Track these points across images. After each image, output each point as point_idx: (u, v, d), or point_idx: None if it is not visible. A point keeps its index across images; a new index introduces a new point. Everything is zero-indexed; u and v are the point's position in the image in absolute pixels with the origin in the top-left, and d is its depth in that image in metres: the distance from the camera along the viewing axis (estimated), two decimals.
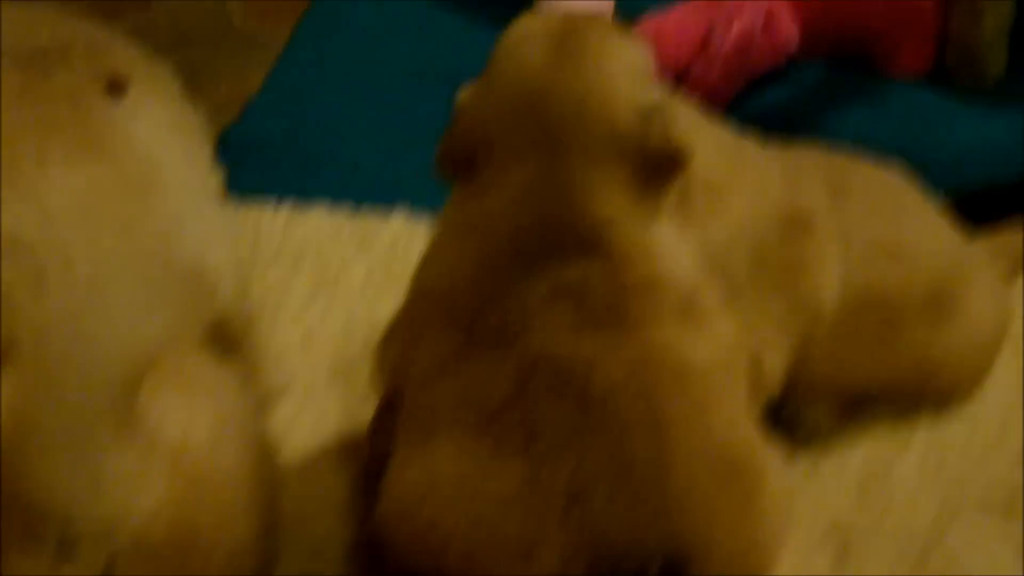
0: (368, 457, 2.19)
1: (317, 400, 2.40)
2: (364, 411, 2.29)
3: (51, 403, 1.80)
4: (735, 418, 2.00)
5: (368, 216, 2.77)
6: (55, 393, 1.80)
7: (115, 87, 2.05)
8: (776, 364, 2.23)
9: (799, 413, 2.32)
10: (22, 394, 1.79)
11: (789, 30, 3.01)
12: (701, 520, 1.90)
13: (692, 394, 1.95)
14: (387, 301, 2.26)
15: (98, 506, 1.80)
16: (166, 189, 2.05)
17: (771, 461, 2.01)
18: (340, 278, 2.62)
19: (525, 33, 2.04)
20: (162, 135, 2.11)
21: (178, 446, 1.89)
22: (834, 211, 2.29)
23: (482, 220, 2.00)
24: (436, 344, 1.99)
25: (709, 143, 2.23)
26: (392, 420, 2.06)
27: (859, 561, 2.13)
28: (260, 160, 2.93)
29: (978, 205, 2.66)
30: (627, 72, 2.01)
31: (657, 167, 1.99)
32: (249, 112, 3.09)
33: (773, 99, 3.02)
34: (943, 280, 2.33)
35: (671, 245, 2.01)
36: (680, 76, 2.98)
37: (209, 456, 1.93)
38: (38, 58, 2.08)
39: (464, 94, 2.04)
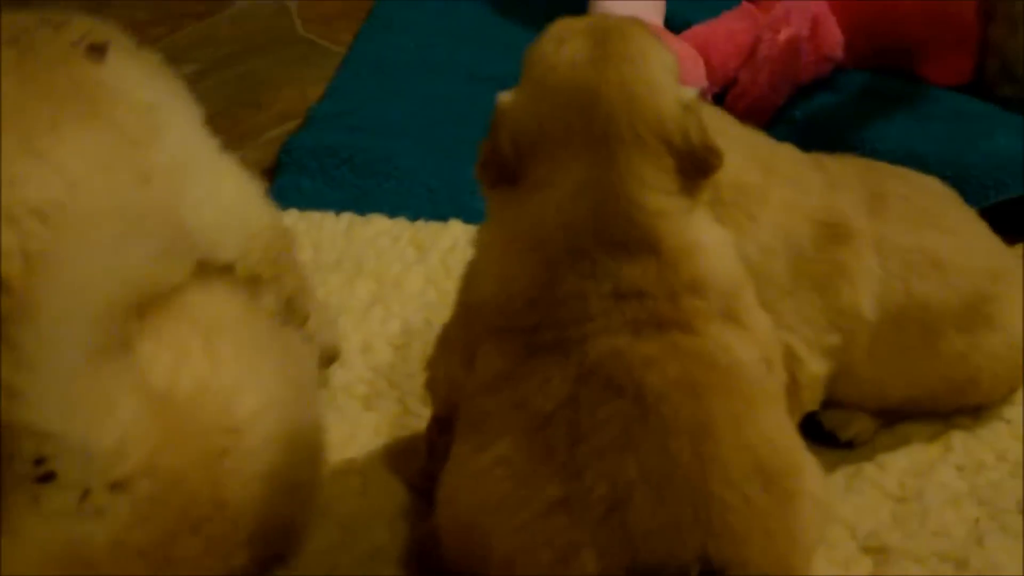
0: (424, 465, 2.22)
1: (376, 406, 2.42)
2: (420, 418, 2.34)
3: (31, 327, 1.84)
4: (777, 420, 2.01)
5: (427, 224, 2.79)
6: (36, 317, 1.85)
7: (96, 51, 2.08)
8: (818, 369, 2.25)
9: (841, 423, 2.34)
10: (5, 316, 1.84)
11: (835, 37, 3.03)
12: (740, 524, 1.90)
13: (739, 395, 1.97)
14: (444, 309, 2.26)
15: (71, 424, 1.84)
16: (163, 139, 2.07)
17: (810, 464, 2.02)
18: (399, 284, 2.64)
19: (564, 35, 2.04)
20: (150, 92, 2.12)
21: (164, 389, 1.95)
22: (874, 220, 2.30)
23: (531, 223, 2.01)
24: (495, 357, 2.00)
25: (740, 147, 2.25)
26: (447, 431, 2.09)
27: (898, 570, 2.12)
28: (322, 168, 2.95)
29: (1016, 213, 2.69)
30: (666, 68, 2.04)
31: (697, 160, 2.02)
32: (311, 121, 3.12)
33: (820, 105, 3.01)
34: (982, 288, 2.33)
35: (714, 241, 2.03)
36: (729, 84, 3.01)
37: (197, 406, 1.97)
38: (22, 34, 2.11)
39: (505, 98, 2.04)
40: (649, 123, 2.00)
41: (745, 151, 2.25)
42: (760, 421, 1.97)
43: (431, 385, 2.17)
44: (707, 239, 2.03)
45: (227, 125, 3.04)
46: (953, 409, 2.37)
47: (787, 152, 2.36)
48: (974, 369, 2.34)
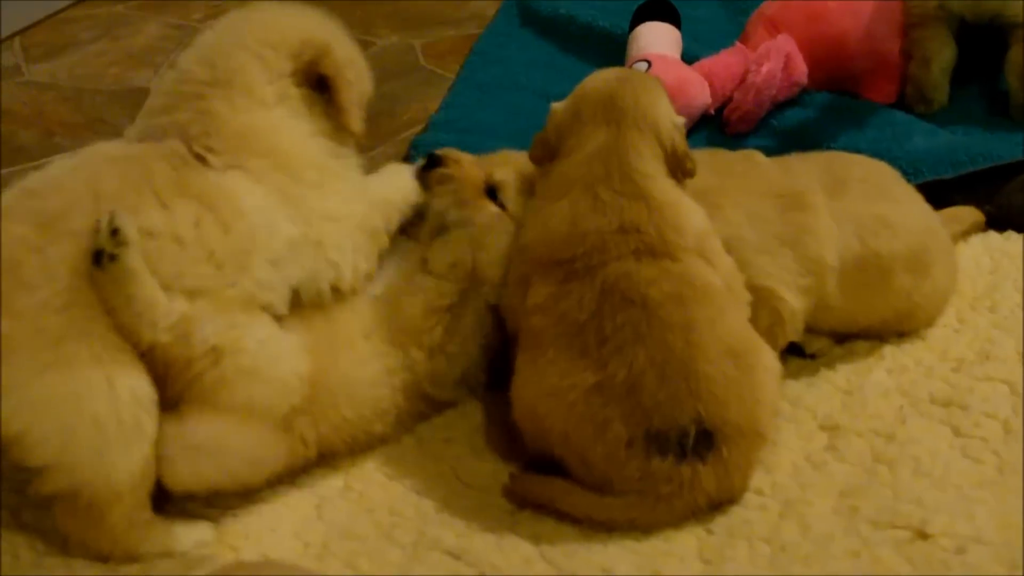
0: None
1: None
2: None
3: None
4: (739, 320, 2.08)
5: None
6: None
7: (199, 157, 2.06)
8: (796, 304, 2.24)
9: (807, 340, 2.32)
10: None
11: (802, 69, 2.99)
12: (719, 392, 1.96)
13: (711, 305, 2.02)
14: None
15: None
16: (241, 229, 2.04)
17: (765, 347, 2.07)
18: None
19: (601, 72, 2.17)
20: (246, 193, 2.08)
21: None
22: (833, 198, 2.28)
23: (563, 178, 2.09)
24: (541, 286, 2.04)
25: (702, 163, 2.22)
26: (514, 336, 2.13)
27: (844, 443, 2.13)
28: None
29: (930, 192, 2.61)
30: (665, 101, 2.15)
31: (680, 163, 2.12)
32: (431, 126, 3.12)
33: (791, 117, 2.99)
34: (922, 243, 2.32)
35: (688, 202, 2.10)
36: (725, 102, 3.00)
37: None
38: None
39: (556, 105, 2.17)
40: (649, 123, 2.11)
41: (704, 165, 2.24)
42: (728, 321, 2.03)
43: (504, 312, 2.19)
44: (683, 200, 2.10)
45: (373, 129, 3.04)
46: (895, 334, 2.36)
47: (743, 158, 2.37)
48: (914, 305, 2.34)
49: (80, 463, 1.94)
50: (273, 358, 2.04)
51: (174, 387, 1.99)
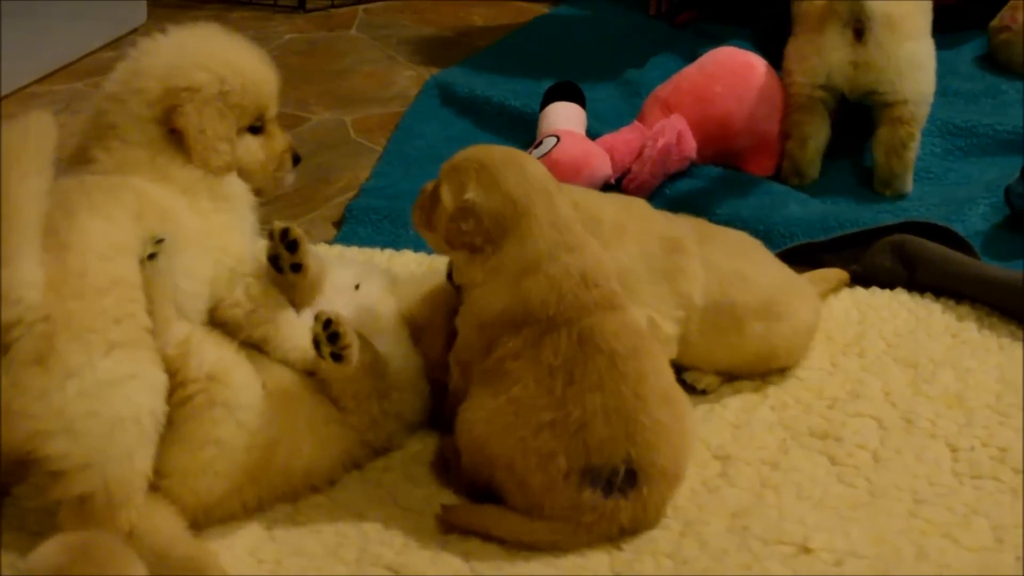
0: (451, 410, 2.15)
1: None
2: None
3: None
4: (668, 368, 2.08)
5: (436, 256, 2.72)
6: None
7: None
8: (670, 331, 2.27)
9: (695, 378, 2.36)
10: None
11: (692, 144, 3.04)
12: (651, 438, 1.97)
13: (656, 356, 2.04)
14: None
15: None
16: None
17: (686, 396, 2.09)
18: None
19: (500, 159, 2.08)
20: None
21: None
22: (702, 247, 2.33)
23: (523, 257, 2.01)
24: (515, 339, 2.00)
25: (613, 204, 2.31)
26: (464, 388, 2.10)
27: (735, 470, 2.16)
28: (371, 221, 2.97)
29: (804, 254, 2.75)
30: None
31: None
32: (363, 192, 3.13)
33: (682, 187, 3.04)
34: (772, 295, 2.36)
35: (606, 258, 2.10)
36: (624, 173, 3.04)
37: None
38: None
39: (472, 196, 2.03)
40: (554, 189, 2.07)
41: (611, 201, 2.31)
42: (664, 370, 2.04)
43: (455, 364, 2.13)
44: (603, 254, 2.10)
45: (310, 194, 3.13)
46: (764, 372, 2.39)
47: (640, 205, 2.39)
48: (772, 346, 2.37)
49: (114, 458, 1.82)
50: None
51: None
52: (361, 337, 2.06)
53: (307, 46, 4.11)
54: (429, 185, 2.14)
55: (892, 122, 2.99)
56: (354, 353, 2.02)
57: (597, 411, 1.96)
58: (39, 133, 1.79)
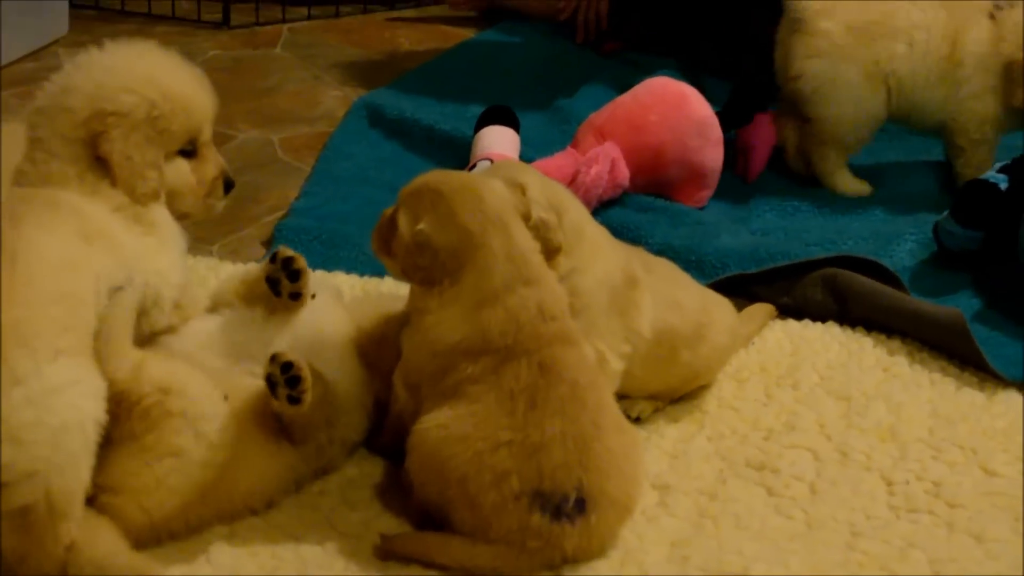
0: (392, 429, 2.18)
1: None
2: None
3: None
4: (616, 404, 2.09)
5: (367, 278, 2.78)
6: None
7: None
8: (617, 367, 2.28)
9: (628, 406, 2.35)
10: None
11: (625, 173, 3.05)
12: (604, 467, 1.97)
13: (607, 387, 2.07)
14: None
15: None
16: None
17: (638, 434, 2.11)
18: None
19: (457, 184, 2.05)
20: None
21: None
22: (647, 277, 2.34)
23: (480, 288, 2.00)
24: (471, 367, 1.98)
25: (591, 220, 2.31)
26: (410, 410, 2.08)
27: (674, 500, 2.16)
28: (302, 241, 2.91)
29: (736, 284, 2.76)
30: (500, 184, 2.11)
31: (546, 243, 2.12)
32: (292, 212, 3.10)
33: (614, 215, 3.02)
34: (700, 318, 2.38)
35: (553, 279, 2.09)
36: None
37: None
38: None
39: (424, 228, 2.00)
40: (515, 210, 2.08)
41: (594, 223, 2.31)
42: (612, 400, 2.05)
43: (403, 386, 2.12)
44: (556, 284, 2.09)
45: (237, 212, 3.08)
46: (683, 395, 2.41)
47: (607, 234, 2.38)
48: (695, 371, 2.40)
49: (60, 467, 1.77)
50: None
51: None
52: (314, 371, 2.03)
53: (232, 63, 4.06)
54: (388, 211, 2.11)
55: None
56: (310, 395, 2.00)
57: (556, 436, 1.95)
58: (8, 144, 1.76)
